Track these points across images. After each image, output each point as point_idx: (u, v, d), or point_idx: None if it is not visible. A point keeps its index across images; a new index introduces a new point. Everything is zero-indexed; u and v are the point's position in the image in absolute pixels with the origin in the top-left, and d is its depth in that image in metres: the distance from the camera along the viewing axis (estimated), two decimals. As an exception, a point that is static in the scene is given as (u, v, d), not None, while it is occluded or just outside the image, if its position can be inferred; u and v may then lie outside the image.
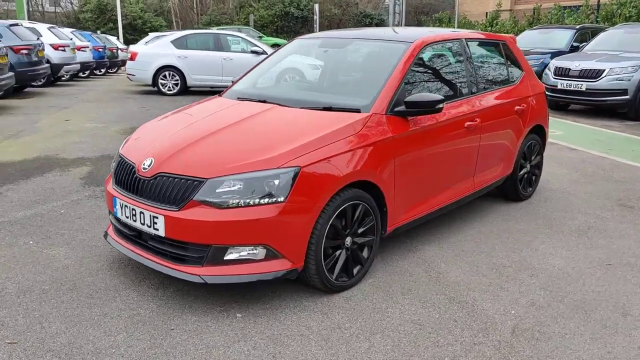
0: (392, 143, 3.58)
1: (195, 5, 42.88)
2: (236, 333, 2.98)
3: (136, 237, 3.40)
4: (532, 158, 5.34)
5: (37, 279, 3.57)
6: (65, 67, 15.07)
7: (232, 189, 3.04)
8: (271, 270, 3.11)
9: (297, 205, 3.08)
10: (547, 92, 10.88)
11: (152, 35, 17.17)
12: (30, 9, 42.02)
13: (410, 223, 3.95)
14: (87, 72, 19.09)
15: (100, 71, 21.37)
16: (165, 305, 3.26)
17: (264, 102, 3.96)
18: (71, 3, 42.48)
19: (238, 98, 4.18)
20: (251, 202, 3.02)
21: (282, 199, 3.04)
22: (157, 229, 3.16)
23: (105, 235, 3.72)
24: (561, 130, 9.21)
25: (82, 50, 16.94)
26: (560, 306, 3.34)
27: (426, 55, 4.15)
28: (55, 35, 15.00)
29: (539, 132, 5.38)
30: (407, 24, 37.24)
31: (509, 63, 5.05)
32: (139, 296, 3.37)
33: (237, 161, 3.14)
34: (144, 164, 3.32)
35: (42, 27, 15.06)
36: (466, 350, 2.87)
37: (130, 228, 3.39)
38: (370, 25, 40.40)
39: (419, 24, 38.66)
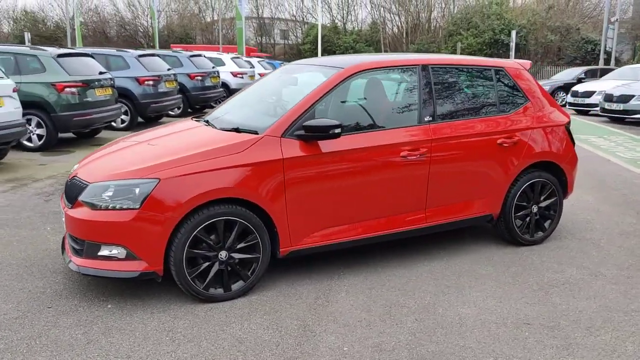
0: (282, 165, 3.66)
1: (405, 35, 44.10)
2: (86, 319, 3.42)
3: (69, 229, 4.06)
4: (541, 199, 4.69)
5: (15, 255, 4.46)
6: (242, 91, 17.10)
7: (106, 193, 3.49)
8: (130, 269, 3.48)
9: (152, 213, 3.40)
10: None
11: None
12: (264, 42, 47.96)
13: (319, 248, 3.92)
14: (274, 97, 21.24)
15: (290, 96, 23.55)
16: (68, 289, 3.84)
17: (207, 122, 4.33)
18: (296, 36, 47.16)
19: (203, 121, 4.61)
20: (116, 207, 3.44)
21: (137, 205, 3.40)
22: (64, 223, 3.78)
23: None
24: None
25: (264, 77, 18.96)
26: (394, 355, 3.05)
27: (359, 81, 4.08)
28: (236, 64, 17.13)
29: (553, 170, 4.72)
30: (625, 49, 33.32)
31: (501, 92, 4.57)
32: (63, 279, 4.01)
33: (118, 170, 3.59)
34: (72, 169, 3.99)
35: (226, 57, 17.34)
36: (250, 373, 2.87)
37: (66, 222, 4.06)
38: (592, 52, 36.92)
39: (634, 49, 34.15)
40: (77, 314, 3.48)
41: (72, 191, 3.71)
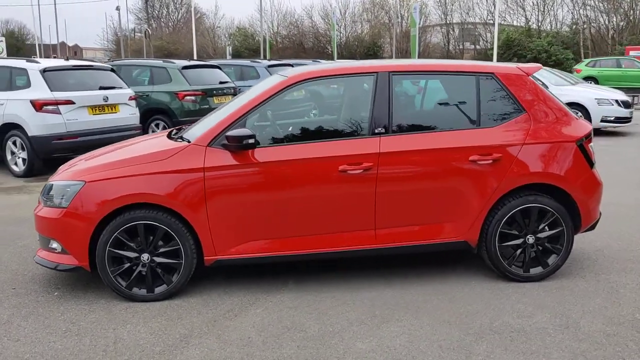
0: (203, 173, 3.67)
1: (611, 36, 39.34)
2: (26, 302, 3.84)
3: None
4: (539, 229, 3.94)
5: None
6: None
7: (53, 193, 3.89)
8: (64, 262, 3.82)
9: (76, 212, 3.70)
10: None
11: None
12: (451, 49, 46.87)
13: (248, 260, 3.84)
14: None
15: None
16: (43, 275, 4.31)
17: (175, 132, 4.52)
18: (485, 41, 45.13)
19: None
20: (54, 204, 3.81)
21: (65, 204, 3.72)
22: (40, 219, 4.28)
23: None
24: None
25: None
26: (243, 379, 2.87)
27: (304, 90, 3.90)
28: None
29: (558, 195, 3.92)
30: None
31: (486, 101, 3.91)
32: (35, 268, 4.48)
33: (70, 172, 3.97)
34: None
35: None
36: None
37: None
38: None
39: None
40: (24, 297, 3.93)
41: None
